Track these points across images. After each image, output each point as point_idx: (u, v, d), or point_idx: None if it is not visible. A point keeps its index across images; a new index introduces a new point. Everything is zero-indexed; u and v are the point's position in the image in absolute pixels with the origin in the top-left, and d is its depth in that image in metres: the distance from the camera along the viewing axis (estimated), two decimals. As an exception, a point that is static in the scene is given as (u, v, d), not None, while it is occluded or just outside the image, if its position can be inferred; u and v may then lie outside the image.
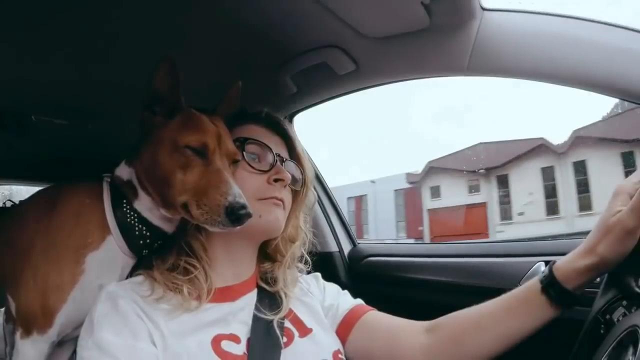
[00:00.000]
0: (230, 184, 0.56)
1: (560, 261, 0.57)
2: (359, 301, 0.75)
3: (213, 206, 0.55)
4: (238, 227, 0.56)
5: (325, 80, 0.92)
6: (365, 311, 0.72)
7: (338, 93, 1.00)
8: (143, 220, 0.64)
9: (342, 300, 0.75)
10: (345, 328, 0.70)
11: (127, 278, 0.66)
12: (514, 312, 0.59)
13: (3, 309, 0.80)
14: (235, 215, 0.54)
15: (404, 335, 0.66)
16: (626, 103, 0.63)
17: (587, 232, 0.57)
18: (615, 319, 0.50)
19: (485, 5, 0.70)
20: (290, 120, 1.11)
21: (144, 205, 0.64)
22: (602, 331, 0.52)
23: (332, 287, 0.79)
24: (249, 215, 0.55)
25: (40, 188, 0.79)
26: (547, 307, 0.56)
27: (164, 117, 0.61)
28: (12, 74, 0.83)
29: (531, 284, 0.58)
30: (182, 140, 0.58)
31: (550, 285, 0.56)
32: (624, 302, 0.51)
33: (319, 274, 0.81)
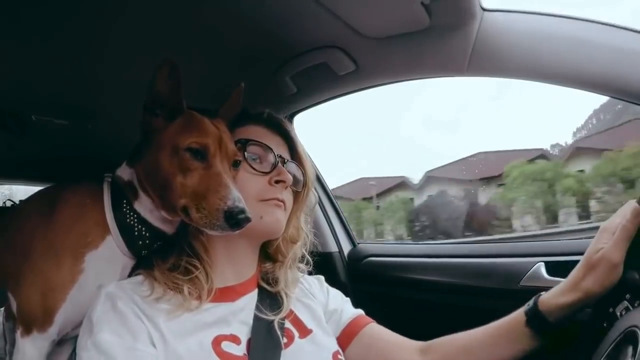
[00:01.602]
0: (229, 188, 0.56)
1: (545, 295, 0.60)
2: (360, 311, 0.76)
3: (212, 210, 0.55)
4: (237, 231, 0.56)
5: (325, 80, 0.92)
6: (366, 323, 0.73)
7: (338, 93, 1.00)
8: (143, 221, 0.64)
9: (346, 307, 0.76)
10: (346, 337, 0.71)
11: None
12: (500, 341, 0.62)
13: (3, 308, 0.80)
14: (234, 219, 0.54)
15: (399, 353, 0.68)
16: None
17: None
18: (618, 313, 0.51)
19: (485, 5, 0.69)
20: (290, 121, 1.11)
21: (144, 206, 0.64)
22: (604, 324, 0.53)
23: (336, 293, 0.79)
24: (248, 220, 0.55)
25: (40, 188, 0.79)
26: (531, 338, 0.59)
27: (165, 120, 0.61)
28: (12, 74, 0.83)
29: (517, 315, 0.61)
30: (182, 143, 0.58)
31: (534, 318, 0.59)
32: (627, 296, 0.51)
33: (322, 277, 0.81)
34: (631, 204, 0.55)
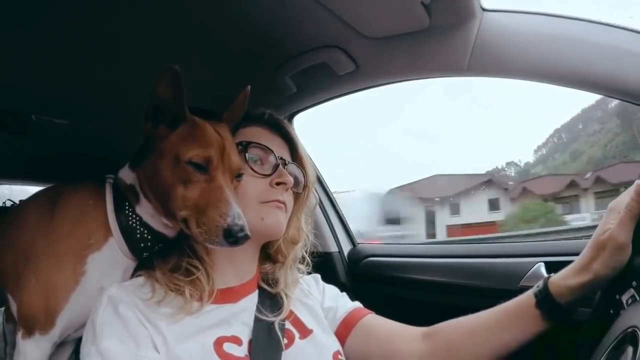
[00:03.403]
0: (230, 204, 0.55)
1: (555, 276, 0.58)
2: (357, 304, 0.76)
3: (212, 227, 0.54)
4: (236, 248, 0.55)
5: (325, 80, 0.91)
6: (364, 314, 0.72)
7: (338, 93, 1.00)
8: (144, 224, 0.64)
9: (341, 302, 0.75)
10: (343, 331, 0.71)
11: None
12: (508, 324, 0.60)
13: (3, 309, 0.80)
14: (234, 237, 0.54)
15: (401, 340, 0.67)
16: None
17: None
18: (624, 301, 0.50)
19: (485, 5, 0.69)
20: (290, 121, 1.11)
21: (146, 211, 0.64)
22: (611, 311, 0.52)
23: (332, 289, 0.79)
24: (247, 238, 0.54)
25: (40, 188, 0.79)
26: (540, 321, 0.57)
27: (167, 128, 0.60)
28: (12, 74, 0.83)
29: (526, 298, 0.59)
30: (184, 154, 0.57)
31: (545, 300, 0.57)
32: (634, 283, 0.50)
33: (318, 276, 0.81)
34: (637, 182, 0.52)
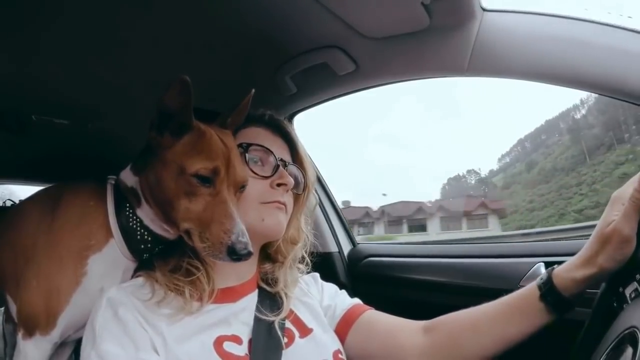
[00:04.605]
0: (234, 220, 0.55)
1: (559, 269, 0.57)
2: (357, 300, 0.76)
3: (216, 242, 0.54)
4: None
5: (325, 80, 0.91)
6: (363, 310, 0.72)
7: (338, 93, 1.00)
8: (145, 226, 0.64)
9: (340, 300, 0.75)
10: (343, 327, 0.70)
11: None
12: (511, 317, 0.59)
13: (2, 309, 0.80)
14: (237, 255, 0.54)
15: (401, 334, 0.67)
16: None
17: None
18: (628, 294, 0.50)
19: (485, 5, 0.69)
20: (290, 121, 1.11)
21: (146, 214, 0.64)
22: (614, 304, 0.51)
23: (330, 287, 0.79)
24: (250, 255, 0.54)
25: (40, 188, 0.79)
26: (545, 313, 0.57)
27: (172, 136, 0.58)
28: (12, 74, 0.83)
29: (529, 290, 0.58)
30: (189, 167, 0.56)
31: (549, 292, 0.56)
32: (638, 276, 0.49)
33: (317, 274, 0.81)
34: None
